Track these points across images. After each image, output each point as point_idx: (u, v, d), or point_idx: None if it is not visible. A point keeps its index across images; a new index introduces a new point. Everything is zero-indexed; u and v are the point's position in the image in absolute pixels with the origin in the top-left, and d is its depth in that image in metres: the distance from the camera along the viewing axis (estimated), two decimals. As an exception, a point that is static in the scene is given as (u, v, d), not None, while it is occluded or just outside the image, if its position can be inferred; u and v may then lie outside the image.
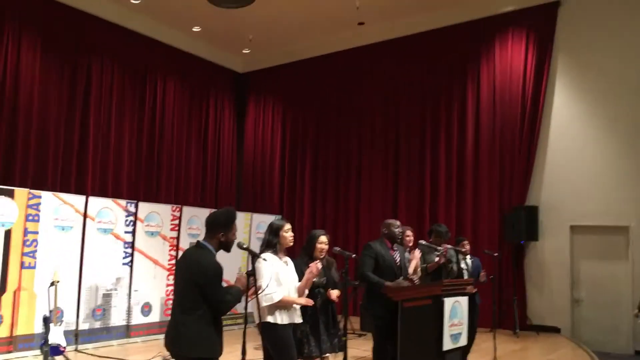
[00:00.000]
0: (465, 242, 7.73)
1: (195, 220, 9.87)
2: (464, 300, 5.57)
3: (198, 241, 3.79)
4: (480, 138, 11.31)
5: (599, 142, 10.26)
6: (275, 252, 4.51)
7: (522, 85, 10.83)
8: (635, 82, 9.95)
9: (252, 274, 3.82)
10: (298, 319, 4.51)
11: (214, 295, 3.57)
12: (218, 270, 3.62)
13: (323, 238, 4.93)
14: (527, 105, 10.74)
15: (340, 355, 4.96)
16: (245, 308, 3.83)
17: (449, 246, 6.83)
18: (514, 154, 10.83)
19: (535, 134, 10.71)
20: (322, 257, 4.93)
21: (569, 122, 10.58)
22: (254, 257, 4.00)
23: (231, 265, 10.04)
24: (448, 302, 5.22)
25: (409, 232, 6.69)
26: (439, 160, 11.78)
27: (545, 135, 10.75)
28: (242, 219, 10.72)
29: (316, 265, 4.57)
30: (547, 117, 10.75)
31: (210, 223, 3.78)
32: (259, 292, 4.13)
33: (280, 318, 4.38)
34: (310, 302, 4.56)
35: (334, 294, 4.91)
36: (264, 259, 4.32)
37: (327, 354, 4.81)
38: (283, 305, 4.38)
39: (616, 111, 10.11)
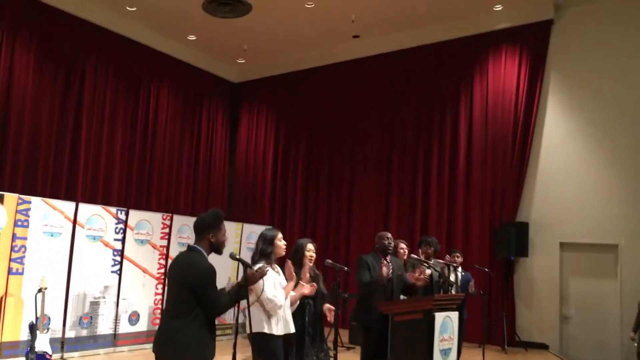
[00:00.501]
0: (458, 254, 7.76)
1: (186, 229, 9.81)
2: (454, 316, 5.57)
3: (189, 245, 3.78)
4: (472, 154, 11.37)
5: (590, 160, 10.34)
6: (270, 262, 4.51)
7: (515, 102, 10.91)
8: (627, 102, 10.05)
9: (244, 284, 3.78)
10: (292, 329, 4.52)
11: (208, 298, 3.54)
12: (211, 272, 3.59)
13: (310, 246, 4.95)
14: (519, 122, 10.82)
15: None
16: (237, 319, 3.80)
17: (441, 260, 6.85)
18: (505, 170, 10.89)
19: (526, 151, 10.78)
20: (311, 265, 4.93)
21: (561, 140, 10.66)
22: (246, 267, 3.98)
23: (221, 273, 9.98)
24: (439, 317, 5.22)
25: (402, 245, 6.70)
26: (430, 175, 11.81)
27: (536, 152, 10.82)
28: (233, 229, 10.67)
29: (312, 288, 4.67)
30: (538, 134, 10.82)
31: (199, 225, 3.76)
32: (251, 303, 4.12)
33: (276, 328, 4.39)
34: (310, 291, 4.63)
35: (331, 313, 4.87)
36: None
37: None
38: (277, 314, 4.40)
39: (608, 130, 10.19)
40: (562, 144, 10.64)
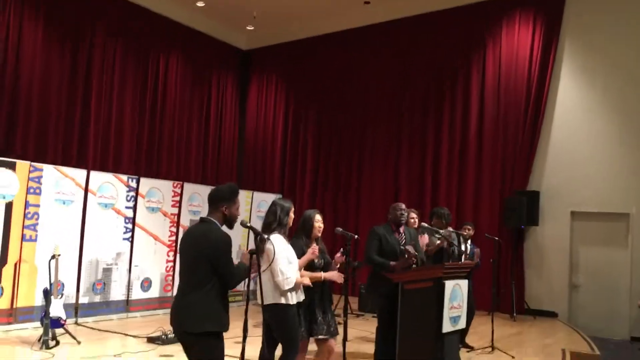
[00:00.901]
0: (469, 227, 7.75)
1: (197, 197, 9.86)
2: (464, 284, 5.59)
3: (201, 217, 3.77)
4: (484, 121, 11.26)
5: (603, 128, 10.22)
6: (285, 233, 4.54)
7: (528, 69, 10.76)
8: (642, 69, 9.90)
9: (255, 252, 3.79)
10: (302, 296, 4.56)
11: (226, 268, 3.54)
12: (228, 241, 3.59)
13: (318, 217, 4.94)
14: (532, 89, 10.68)
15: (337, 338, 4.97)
16: (248, 286, 3.82)
17: (451, 229, 6.84)
18: (517, 138, 10.80)
19: (539, 118, 10.66)
20: (319, 235, 4.94)
21: (574, 107, 10.53)
22: (257, 235, 3.98)
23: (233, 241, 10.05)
24: (449, 284, 5.23)
25: (413, 215, 6.69)
26: (441, 143, 11.74)
27: (549, 119, 10.71)
28: (243, 197, 10.70)
29: (314, 250, 4.69)
30: (552, 101, 10.70)
31: (213, 197, 3.75)
32: (263, 270, 4.15)
33: (292, 298, 4.44)
34: (318, 276, 4.69)
35: (339, 277, 4.87)
36: (273, 241, 4.34)
37: (324, 336, 4.76)
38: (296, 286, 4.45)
39: (622, 98, 10.06)
40: (575, 111, 10.51)
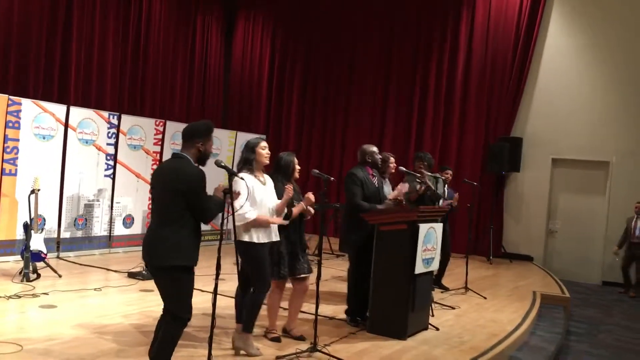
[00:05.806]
0: (449, 171, 7.82)
1: (179, 136, 9.76)
2: (438, 227, 5.68)
3: (174, 152, 3.76)
4: (471, 67, 11.19)
5: (588, 77, 10.21)
6: (252, 171, 4.51)
7: (518, 15, 10.64)
8: (630, 22, 9.83)
9: (228, 192, 3.81)
10: (275, 237, 4.57)
11: (199, 202, 3.56)
12: (202, 177, 3.59)
13: (296, 159, 4.95)
14: (520, 35, 10.59)
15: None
16: (221, 225, 3.86)
17: (428, 173, 6.88)
18: (503, 84, 10.77)
19: (526, 65, 10.62)
20: (297, 177, 4.96)
21: (562, 55, 10.47)
22: (231, 175, 3.99)
23: (211, 182, 10.05)
24: (423, 227, 5.31)
25: (392, 159, 6.69)
26: (428, 88, 11.68)
27: (536, 66, 10.66)
28: (226, 137, 10.64)
29: (289, 190, 4.61)
30: (539, 48, 10.62)
31: (189, 132, 3.72)
32: (236, 211, 4.12)
33: (257, 237, 4.42)
34: (284, 222, 4.62)
35: (298, 208, 4.82)
36: (242, 178, 4.33)
37: (306, 275, 4.85)
38: (258, 224, 4.43)
39: (609, 48, 10.03)
40: (562, 60, 10.46)
